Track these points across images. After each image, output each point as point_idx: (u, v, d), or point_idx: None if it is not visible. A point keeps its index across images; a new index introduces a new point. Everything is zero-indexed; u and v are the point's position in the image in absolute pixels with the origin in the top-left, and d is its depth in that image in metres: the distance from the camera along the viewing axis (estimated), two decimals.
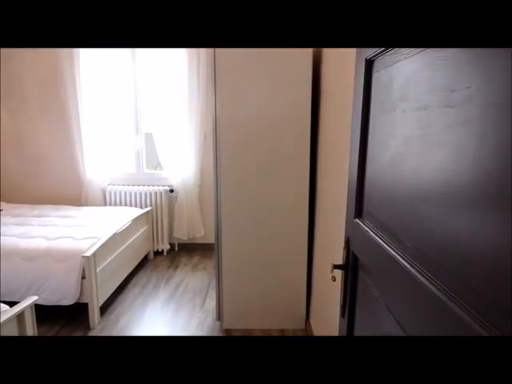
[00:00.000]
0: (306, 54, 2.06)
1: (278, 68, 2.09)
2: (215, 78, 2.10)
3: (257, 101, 2.12)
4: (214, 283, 3.01)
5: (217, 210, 2.26)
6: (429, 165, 0.62)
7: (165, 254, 3.61)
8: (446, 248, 0.56)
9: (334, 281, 1.00)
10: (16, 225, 2.81)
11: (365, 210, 0.95)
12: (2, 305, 1.64)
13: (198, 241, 3.71)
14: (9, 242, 2.46)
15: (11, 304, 1.93)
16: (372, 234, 0.86)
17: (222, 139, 2.16)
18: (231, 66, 2.08)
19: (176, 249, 3.72)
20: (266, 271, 2.32)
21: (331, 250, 1.79)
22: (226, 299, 2.35)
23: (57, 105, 3.48)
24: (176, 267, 3.34)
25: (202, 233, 3.65)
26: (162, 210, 3.56)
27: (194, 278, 3.13)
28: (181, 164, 3.50)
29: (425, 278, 0.61)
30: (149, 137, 3.65)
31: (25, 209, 3.27)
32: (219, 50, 2.07)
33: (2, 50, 3.40)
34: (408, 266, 0.66)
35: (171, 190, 3.58)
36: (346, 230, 1.08)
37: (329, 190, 1.86)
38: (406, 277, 0.67)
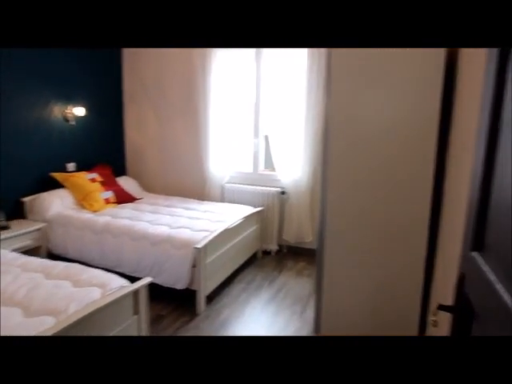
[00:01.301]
0: (437, 53, 1.76)
1: (401, 69, 1.84)
2: (329, 79, 1.98)
3: (374, 103, 1.92)
4: None
5: (322, 216, 2.15)
6: None
7: (272, 254, 3.66)
8: None
9: (435, 326, 0.80)
10: (150, 212, 3.26)
11: (486, 242, 0.72)
12: (124, 281, 1.90)
13: (306, 246, 3.63)
14: (142, 226, 2.87)
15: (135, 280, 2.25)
16: (491, 276, 0.64)
17: (333, 143, 2.03)
18: (347, 66, 1.94)
19: (284, 251, 3.73)
20: (372, 289, 2.09)
21: (450, 280, 1.47)
22: (326, 313, 2.21)
23: (190, 106, 3.90)
24: (281, 270, 3.34)
25: (311, 238, 3.56)
26: (273, 211, 3.62)
27: (297, 284, 3.07)
28: (294, 167, 3.49)
29: None
30: (267, 138, 3.75)
31: (160, 199, 3.78)
32: (336, 50, 1.95)
33: (150, 54, 3.99)
34: None
35: (283, 192, 3.61)
36: (460, 263, 0.85)
37: (455, 208, 1.54)
38: None
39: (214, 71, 3.62)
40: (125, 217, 3.09)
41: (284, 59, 3.36)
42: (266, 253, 3.69)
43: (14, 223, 2.97)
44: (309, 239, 3.56)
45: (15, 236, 2.82)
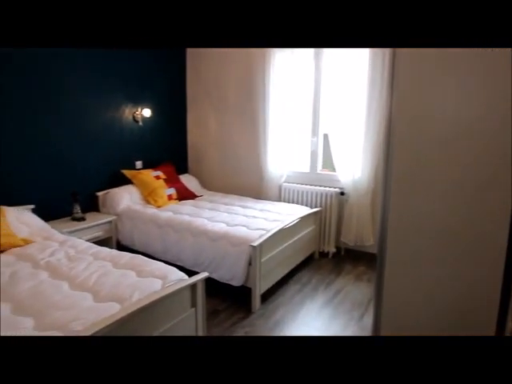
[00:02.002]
0: None
1: (476, 63, 1.65)
2: (394, 75, 1.85)
3: (445, 102, 1.75)
4: None
5: (383, 219, 2.02)
6: None
7: (330, 256, 3.55)
8: None
9: None
10: (209, 209, 3.36)
11: None
12: (182, 274, 1.97)
13: (366, 249, 3.47)
14: (201, 223, 2.96)
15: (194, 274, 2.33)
16: None
17: (398, 143, 1.89)
18: (415, 63, 1.79)
19: (342, 253, 3.60)
20: (440, 301, 1.92)
21: None
22: (385, 322, 2.08)
23: (249, 106, 3.94)
24: (339, 273, 3.23)
25: (371, 242, 3.39)
26: (331, 211, 3.51)
27: (356, 289, 2.94)
28: (354, 167, 3.35)
29: None
30: (326, 137, 3.66)
31: (218, 197, 3.88)
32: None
33: (212, 56, 4.11)
34: None
35: (342, 193, 3.48)
36: None
37: None
38: None
39: (272, 71, 3.62)
40: (185, 213, 3.21)
41: (344, 57, 3.24)
42: (323, 254, 3.59)
43: (88, 215, 3.25)
44: (369, 242, 3.39)
45: (89, 227, 3.09)
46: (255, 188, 3.99)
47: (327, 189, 3.53)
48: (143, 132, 3.91)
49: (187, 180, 4.08)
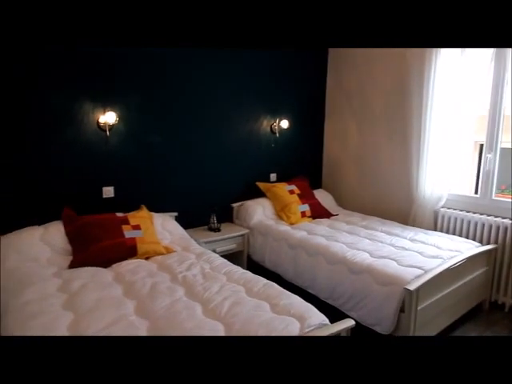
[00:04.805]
0: None
1: None
2: None
3: None
4: None
5: None
6: None
7: (506, 310, 2.70)
8: None
9: None
10: (347, 233, 2.95)
11: None
12: (323, 316, 1.63)
13: None
14: (340, 248, 2.58)
15: (331, 308, 1.98)
16: None
17: None
18: None
19: None
20: None
21: None
22: None
23: (399, 115, 3.37)
24: None
25: None
26: (511, 251, 2.67)
27: None
28: None
29: None
30: (503, 152, 2.83)
31: (355, 217, 3.42)
32: None
33: (355, 61, 3.69)
34: None
35: None
36: None
37: None
38: None
39: (433, 75, 2.99)
40: (320, 234, 2.89)
41: None
42: (496, 306, 2.76)
43: (223, 226, 3.25)
44: None
45: (224, 239, 3.06)
46: (402, 211, 3.38)
47: (506, 221, 2.70)
48: (279, 143, 3.77)
49: (321, 196, 3.76)
